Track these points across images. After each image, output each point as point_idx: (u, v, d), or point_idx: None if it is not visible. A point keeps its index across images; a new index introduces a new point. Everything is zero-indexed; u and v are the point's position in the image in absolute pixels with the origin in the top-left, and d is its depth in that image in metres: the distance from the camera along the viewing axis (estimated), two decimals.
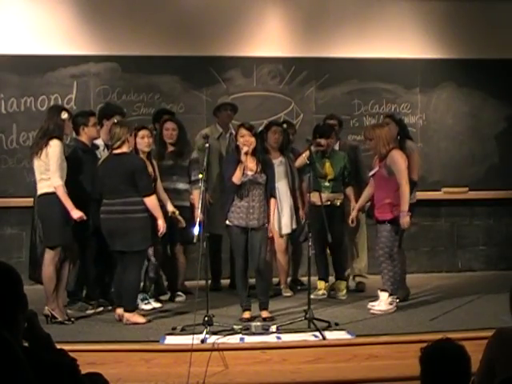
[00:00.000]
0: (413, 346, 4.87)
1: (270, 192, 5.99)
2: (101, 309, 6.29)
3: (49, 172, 5.74)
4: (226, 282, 7.33)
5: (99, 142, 6.51)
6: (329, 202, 6.67)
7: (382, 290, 6.21)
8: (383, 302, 6.16)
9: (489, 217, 8.61)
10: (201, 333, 5.18)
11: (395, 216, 6.11)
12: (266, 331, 5.45)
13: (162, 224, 5.89)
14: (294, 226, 6.92)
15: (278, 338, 5.37)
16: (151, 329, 5.64)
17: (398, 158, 6.13)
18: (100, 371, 2.64)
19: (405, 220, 6.09)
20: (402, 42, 8.26)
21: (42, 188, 5.82)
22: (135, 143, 6.19)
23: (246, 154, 5.86)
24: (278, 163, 6.79)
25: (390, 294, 6.18)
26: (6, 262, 2.36)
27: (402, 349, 5.17)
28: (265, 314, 5.93)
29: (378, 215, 6.24)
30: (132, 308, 5.86)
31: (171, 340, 5.30)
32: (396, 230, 6.17)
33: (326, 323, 5.61)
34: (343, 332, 5.50)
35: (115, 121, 6.29)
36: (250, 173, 5.88)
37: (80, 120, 6.28)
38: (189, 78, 7.98)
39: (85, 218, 5.78)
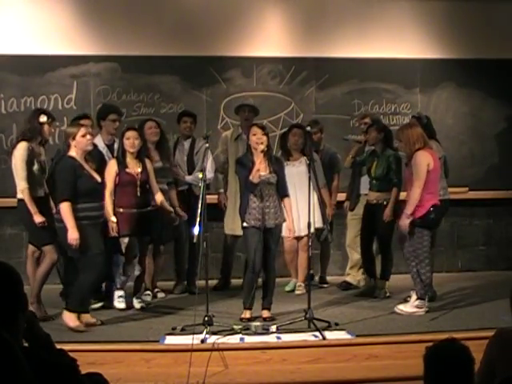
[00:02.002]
0: (413, 346, 4.91)
1: (283, 191, 5.96)
2: (99, 304, 6.31)
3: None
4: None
5: (99, 142, 6.53)
6: (374, 201, 6.79)
7: (413, 290, 6.18)
8: (409, 304, 6.11)
9: (488, 217, 8.60)
10: (201, 333, 5.19)
11: (419, 217, 6.00)
12: (266, 331, 5.45)
13: (70, 235, 5.45)
14: (320, 225, 6.78)
15: (278, 337, 5.37)
16: (151, 329, 5.64)
17: (420, 160, 5.99)
18: (100, 371, 2.64)
19: (403, 223, 6.01)
20: (402, 42, 8.25)
21: (18, 193, 5.92)
22: (122, 143, 6.20)
23: (263, 151, 5.82)
24: (298, 164, 6.82)
25: (418, 298, 6.09)
26: (6, 262, 2.35)
27: (402, 349, 5.17)
28: (265, 313, 5.93)
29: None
30: (72, 308, 5.61)
31: (171, 340, 5.30)
32: (423, 231, 6.04)
33: (326, 323, 5.61)
34: (343, 332, 5.50)
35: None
36: (263, 173, 5.83)
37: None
38: (189, 78, 7.98)
39: (45, 224, 5.76)
